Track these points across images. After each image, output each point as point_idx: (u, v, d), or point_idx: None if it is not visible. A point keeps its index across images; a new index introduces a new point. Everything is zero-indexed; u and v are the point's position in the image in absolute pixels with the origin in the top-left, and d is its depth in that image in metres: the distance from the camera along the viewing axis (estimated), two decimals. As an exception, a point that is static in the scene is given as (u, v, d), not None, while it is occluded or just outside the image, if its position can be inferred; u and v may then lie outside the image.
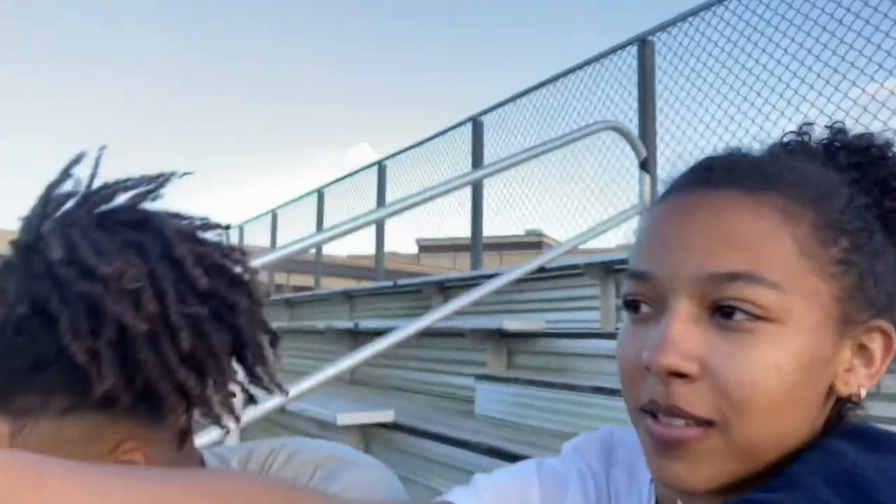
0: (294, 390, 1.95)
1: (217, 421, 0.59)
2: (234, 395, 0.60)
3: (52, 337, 0.51)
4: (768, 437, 0.42)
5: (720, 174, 0.46)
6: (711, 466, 0.42)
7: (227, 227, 0.63)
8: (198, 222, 0.60)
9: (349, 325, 3.91)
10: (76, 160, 0.58)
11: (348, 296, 5.18)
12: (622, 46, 4.05)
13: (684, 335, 0.42)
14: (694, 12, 3.63)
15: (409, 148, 6.04)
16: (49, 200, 0.56)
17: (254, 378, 0.61)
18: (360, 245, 6.75)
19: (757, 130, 3.26)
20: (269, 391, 0.63)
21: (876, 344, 0.46)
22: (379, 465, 0.71)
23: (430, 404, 3.04)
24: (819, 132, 0.53)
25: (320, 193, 7.37)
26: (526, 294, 3.48)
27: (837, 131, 0.52)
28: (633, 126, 3.83)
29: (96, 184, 0.58)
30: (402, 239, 6.61)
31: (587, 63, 4.32)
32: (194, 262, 0.55)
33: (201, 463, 0.65)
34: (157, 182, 0.60)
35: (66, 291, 0.51)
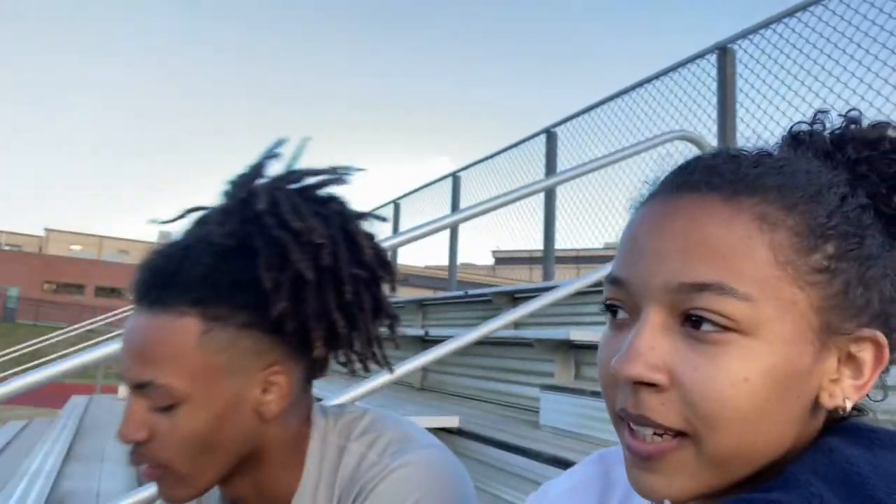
0: (359, 390, 2.03)
1: (351, 367, 0.76)
2: (373, 350, 0.76)
3: (248, 267, 0.67)
4: (742, 451, 0.41)
5: (699, 178, 0.44)
6: (687, 478, 0.42)
7: (384, 220, 0.81)
8: (365, 210, 0.76)
9: (419, 332, 3.99)
10: (280, 142, 0.76)
11: (420, 304, 5.27)
12: (701, 55, 3.96)
13: (653, 344, 0.41)
14: (777, 19, 3.51)
15: (484, 160, 6.10)
16: (259, 168, 0.74)
17: (372, 349, 0.76)
18: (436, 256, 6.86)
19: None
20: (380, 365, 0.78)
21: (866, 354, 0.43)
22: (446, 452, 0.74)
23: (496, 412, 3.05)
24: (833, 120, 0.50)
25: (396, 205, 7.54)
26: (594, 306, 3.45)
27: (850, 121, 0.50)
28: (712, 136, 3.73)
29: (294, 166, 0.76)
30: (479, 251, 6.64)
31: (664, 72, 4.25)
32: (364, 237, 0.72)
33: (309, 407, 0.76)
34: (339, 172, 0.76)
35: (266, 235, 0.68)
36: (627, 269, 0.44)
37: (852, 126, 0.50)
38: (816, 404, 0.43)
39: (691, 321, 0.41)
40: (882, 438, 0.41)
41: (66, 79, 79.17)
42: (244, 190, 0.72)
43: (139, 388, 0.66)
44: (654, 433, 0.42)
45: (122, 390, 6.93)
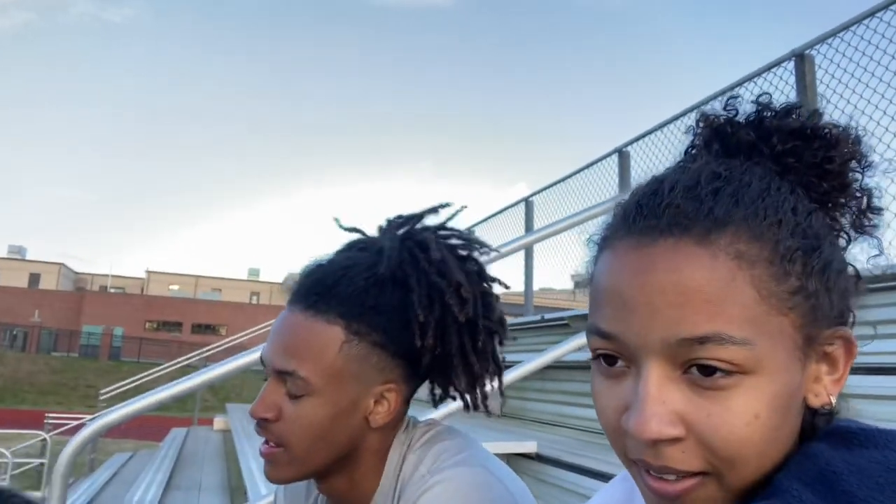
0: (437, 413, 2.06)
1: (471, 403, 0.86)
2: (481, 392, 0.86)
3: (393, 297, 0.80)
4: (759, 474, 0.42)
5: (669, 221, 0.43)
6: (714, 502, 0.43)
7: (508, 288, 0.91)
8: (496, 277, 0.88)
9: (497, 358, 3.98)
10: (442, 205, 0.88)
11: (498, 330, 5.25)
12: (778, 63, 3.83)
13: (663, 398, 0.42)
14: (855, 22, 3.35)
15: (556, 183, 6.08)
16: (420, 217, 0.87)
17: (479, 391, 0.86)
18: (514, 282, 6.83)
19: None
20: (478, 408, 0.86)
21: (838, 350, 0.45)
22: (498, 472, 0.76)
23: (575, 437, 3.00)
24: (746, 107, 0.51)
25: (470, 232, 7.59)
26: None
27: (763, 107, 0.50)
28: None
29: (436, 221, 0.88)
30: (559, 275, 6.57)
31: (739, 83, 4.12)
32: (495, 299, 0.85)
33: (402, 419, 0.84)
34: (476, 243, 0.88)
35: (422, 276, 0.80)
36: (618, 325, 0.44)
37: (767, 114, 0.50)
38: (804, 406, 0.45)
39: (699, 369, 0.41)
40: (860, 437, 0.42)
41: (156, 125, 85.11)
42: (402, 232, 0.85)
43: (280, 374, 0.77)
44: (678, 477, 0.42)
45: (218, 422, 7.23)
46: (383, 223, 0.87)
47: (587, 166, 5.61)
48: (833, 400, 0.45)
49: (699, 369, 0.41)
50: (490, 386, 0.87)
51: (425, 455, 0.79)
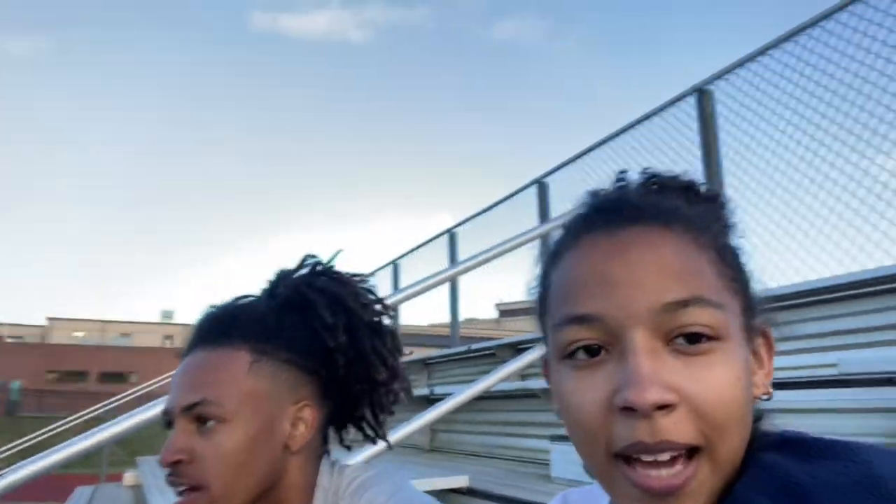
0: (364, 454, 1.98)
1: (366, 430, 0.88)
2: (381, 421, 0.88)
3: (293, 315, 0.82)
4: (739, 448, 0.44)
5: (631, 213, 0.48)
6: (701, 495, 0.42)
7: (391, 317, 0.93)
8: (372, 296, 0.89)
9: (425, 391, 3.94)
10: (337, 252, 0.91)
11: (425, 363, 5.22)
12: (681, 98, 4.06)
13: (655, 366, 0.42)
14: (750, 58, 3.61)
15: (478, 214, 6.16)
16: (302, 264, 0.89)
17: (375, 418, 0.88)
18: (440, 314, 6.82)
19: (829, 166, 3.15)
20: (376, 437, 0.89)
21: (761, 345, 0.49)
22: None
23: (507, 468, 2.98)
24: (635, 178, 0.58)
25: (395, 265, 7.56)
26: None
27: (652, 175, 0.58)
28: (699, 174, 3.77)
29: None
30: (483, 305, 6.62)
31: (647, 117, 4.34)
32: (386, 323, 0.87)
33: (322, 458, 0.84)
34: (332, 257, 0.90)
35: (320, 290, 0.83)
36: (600, 303, 0.44)
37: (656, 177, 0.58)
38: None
39: (685, 337, 0.43)
40: (816, 448, 0.42)
41: (59, 164, 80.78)
42: (291, 279, 0.87)
43: (187, 410, 0.75)
44: (671, 457, 0.41)
45: (128, 477, 6.76)
46: (275, 275, 0.90)
47: (508, 197, 5.72)
48: (770, 391, 0.48)
49: (684, 338, 0.43)
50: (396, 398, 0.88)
51: (358, 502, 0.77)
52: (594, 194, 0.54)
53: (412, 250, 7.37)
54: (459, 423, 3.67)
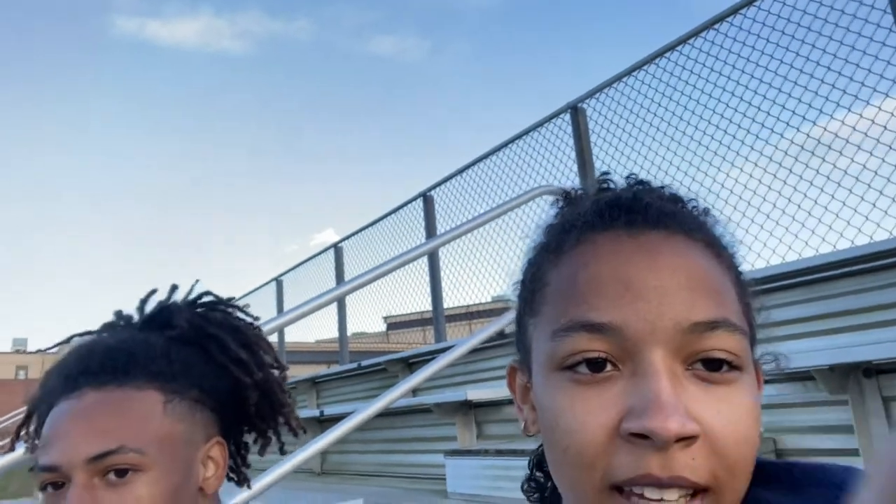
0: (255, 486, 1.89)
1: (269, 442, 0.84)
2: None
3: (196, 353, 0.77)
4: (742, 492, 0.39)
5: (653, 215, 0.42)
6: None
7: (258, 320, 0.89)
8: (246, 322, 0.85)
9: (315, 412, 3.82)
10: (174, 288, 0.85)
11: (314, 382, 5.08)
12: (556, 114, 4.25)
13: (677, 392, 0.37)
14: (618, 78, 3.86)
15: (364, 228, 6.11)
16: (171, 294, 0.84)
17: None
18: (327, 330, 6.68)
19: (690, 179, 3.42)
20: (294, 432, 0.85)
21: (758, 372, 0.44)
22: None
23: (402, 486, 2.95)
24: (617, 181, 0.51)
25: (279, 282, 7.32)
26: (490, 362, 3.48)
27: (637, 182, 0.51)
28: (576, 186, 3.96)
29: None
30: (371, 318, 6.55)
31: (526, 132, 4.50)
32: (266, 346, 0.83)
33: (216, 498, 0.79)
34: (193, 288, 0.86)
35: (219, 325, 0.80)
36: (620, 312, 0.39)
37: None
38: None
39: (701, 364, 0.38)
40: (795, 478, 0.41)
41: None
42: (184, 312, 0.81)
43: (97, 459, 0.64)
44: (678, 496, 0.36)
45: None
46: (133, 308, 0.84)
47: (394, 210, 5.71)
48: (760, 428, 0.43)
49: (704, 364, 0.38)
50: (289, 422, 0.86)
51: None
52: (604, 189, 0.47)
53: (296, 266, 7.17)
54: (351, 443, 3.60)
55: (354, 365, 4.69)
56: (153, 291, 0.84)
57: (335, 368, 5.26)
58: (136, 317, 0.82)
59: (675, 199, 0.47)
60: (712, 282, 0.40)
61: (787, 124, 3.04)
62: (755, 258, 2.97)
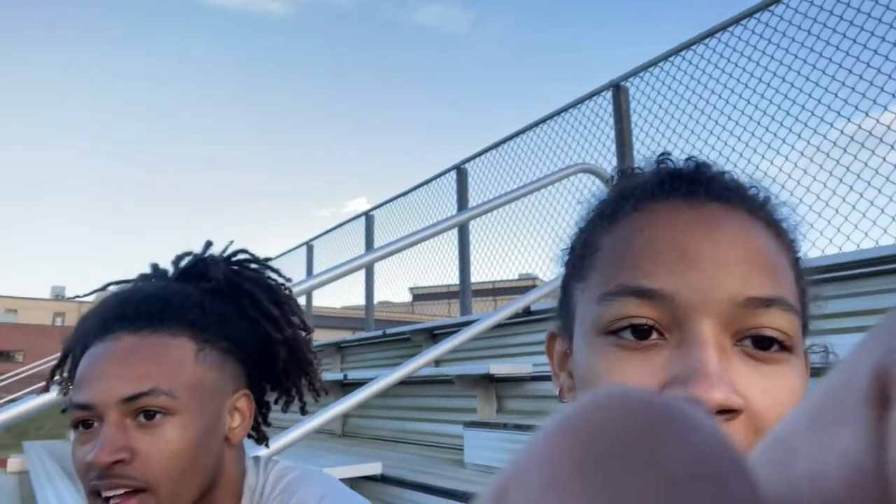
0: (278, 443, 1.93)
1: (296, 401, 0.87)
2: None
3: (231, 304, 0.79)
4: None
5: (716, 189, 0.42)
6: None
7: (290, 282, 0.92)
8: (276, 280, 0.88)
9: (338, 376, 3.88)
10: (209, 244, 0.87)
11: (339, 347, 5.15)
12: (597, 92, 4.17)
13: (723, 364, 0.36)
14: (664, 57, 3.75)
15: (396, 198, 6.11)
16: (206, 248, 0.86)
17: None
18: (353, 296, 6.75)
19: (732, 165, 3.33)
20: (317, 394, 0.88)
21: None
22: None
23: (420, 454, 2.99)
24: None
25: (309, 246, 7.40)
26: (514, 338, 3.48)
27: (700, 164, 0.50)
28: (612, 167, 3.91)
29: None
30: (397, 289, 6.60)
31: (565, 109, 4.43)
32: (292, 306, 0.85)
33: (244, 454, 0.82)
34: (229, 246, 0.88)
35: (253, 280, 0.82)
36: (673, 280, 0.38)
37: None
38: None
39: (750, 341, 0.38)
40: None
41: (-57, 127, 73.59)
42: (220, 267, 0.84)
43: (130, 400, 0.67)
44: None
45: (13, 463, 6.32)
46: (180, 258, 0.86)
47: (427, 181, 5.70)
48: None
49: (754, 342, 0.37)
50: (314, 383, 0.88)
51: (286, 502, 0.74)
52: (665, 161, 0.46)
53: (327, 231, 7.23)
54: (372, 409, 3.65)
55: (380, 332, 4.74)
56: (189, 253, 0.85)
57: (360, 335, 5.33)
58: (171, 270, 0.84)
59: (738, 181, 0.46)
60: (771, 259, 0.39)
61: (838, 113, 2.93)
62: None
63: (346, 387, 3.75)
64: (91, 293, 0.90)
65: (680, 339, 0.38)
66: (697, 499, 0.09)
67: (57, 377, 0.80)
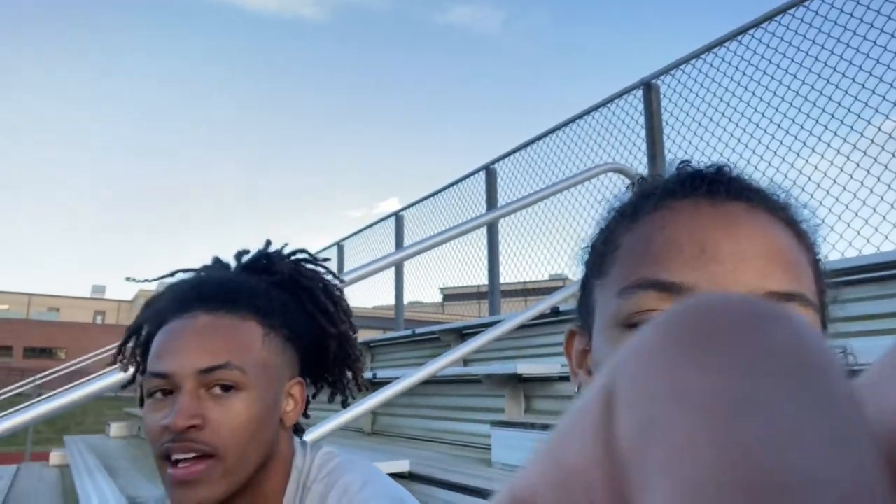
0: (311, 436, 1.96)
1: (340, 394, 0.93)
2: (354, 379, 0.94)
3: (292, 297, 0.85)
4: None
5: (737, 188, 0.42)
6: None
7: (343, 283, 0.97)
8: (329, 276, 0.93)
9: (368, 375, 3.92)
10: (269, 242, 0.92)
11: (368, 346, 5.20)
12: (628, 90, 4.13)
13: None
14: (697, 55, 3.70)
15: (426, 198, 6.14)
16: (267, 246, 0.91)
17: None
18: (384, 296, 6.80)
19: (766, 164, 3.28)
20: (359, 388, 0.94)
21: None
22: (403, 501, 0.77)
23: (448, 452, 3.00)
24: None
25: (340, 247, 7.48)
26: (542, 338, 3.47)
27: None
28: (642, 166, 3.87)
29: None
30: (428, 289, 6.62)
31: (595, 108, 4.40)
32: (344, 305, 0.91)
33: (290, 432, 0.85)
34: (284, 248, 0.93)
35: (312, 279, 0.88)
36: (691, 273, 0.38)
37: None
38: None
39: None
40: None
41: (-10, 132, 76.20)
42: (283, 262, 0.90)
43: (207, 372, 0.73)
44: None
45: (55, 457, 6.52)
46: (241, 254, 0.91)
47: (456, 182, 5.71)
48: None
49: None
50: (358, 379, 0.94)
51: (332, 486, 0.77)
52: (686, 163, 0.47)
53: (358, 232, 7.30)
54: (400, 407, 3.68)
55: (409, 332, 4.77)
56: (246, 251, 0.92)
57: (390, 334, 5.36)
58: (233, 263, 0.90)
59: (759, 183, 0.46)
60: (791, 257, 0.39)
61: (876, 110, 2.85)
62: (829, 250, 2.84)
63: (375, 385, 3.78)
64: (159, 278, 0.97)
65: None
66: (800, 370, 0.10)
67: (129, 347, 0.87)
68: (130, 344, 0.86)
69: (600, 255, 0.45)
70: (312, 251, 0.93)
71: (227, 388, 0.73)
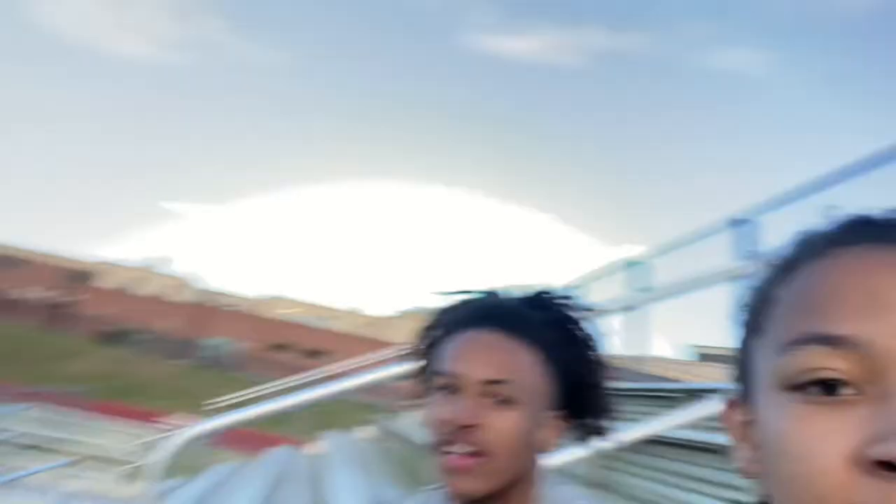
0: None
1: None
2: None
3: (565, 337, 0.89)
4: None
5: None
6: None
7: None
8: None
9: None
10: (548, 285, 0.98)
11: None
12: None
13: None
14: None
15: (671, 249, 5.85)
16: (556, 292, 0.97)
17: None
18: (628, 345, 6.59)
19: None
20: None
21: None
22: None
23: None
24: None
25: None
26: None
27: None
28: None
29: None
30: (676, 345, 6.26)
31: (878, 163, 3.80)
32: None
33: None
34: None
35: (578, 322, 0.92)
36: (865, 325, 0.34)
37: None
38: None
39: None
40: None
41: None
42: (559, 304, 0.95)
43: (488, 384, 0.82)
44: None
45: (309, 447, 7.39)
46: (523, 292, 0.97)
47: (705, 235, 5.36)
48: None
49: None
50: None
51: None
52: (853, 213, 0.43)
53: (594, 275, 7.21)
54: (623, 464, 3.52)
55: (637, 385, 4.56)
56: (531, 286, 0.99)
57: (615, 384, 5.17)
58: (512, 295, 0.97)
59: None
60: None
61: None
62: None
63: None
64: (449, 293, 1.04)
65: (881, 392, 0.33)
66: None
67: (418, 347, 0.98)
68: (424, 341, 0.97)
69: (756, 311, 0.42)
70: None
71: (505, 402, 0.81)
